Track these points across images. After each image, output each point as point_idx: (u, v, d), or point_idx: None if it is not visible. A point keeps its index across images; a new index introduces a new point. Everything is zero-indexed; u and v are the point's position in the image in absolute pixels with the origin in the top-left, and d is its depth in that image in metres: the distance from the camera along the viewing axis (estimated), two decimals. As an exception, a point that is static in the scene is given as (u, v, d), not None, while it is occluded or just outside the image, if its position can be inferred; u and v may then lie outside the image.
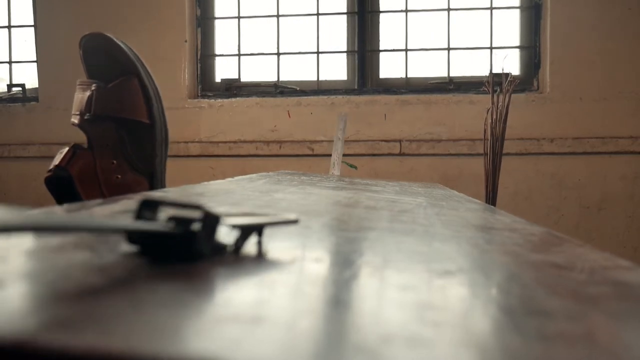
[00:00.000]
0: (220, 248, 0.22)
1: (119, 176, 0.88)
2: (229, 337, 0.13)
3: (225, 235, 0.23)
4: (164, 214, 0.22)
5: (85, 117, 0.88)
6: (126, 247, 0.22)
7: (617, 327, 0.16)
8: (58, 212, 0.31)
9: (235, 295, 0.17)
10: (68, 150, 0.87)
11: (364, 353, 0.12)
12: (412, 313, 0.16)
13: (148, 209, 0.22)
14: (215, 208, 0.22)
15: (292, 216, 0.28)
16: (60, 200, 0.88)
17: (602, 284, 0.22)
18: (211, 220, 0.21)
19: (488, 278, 0.22)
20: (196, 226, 0.21)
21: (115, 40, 0.90)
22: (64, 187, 0.87)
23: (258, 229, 0.25)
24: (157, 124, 0.90)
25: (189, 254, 0.21)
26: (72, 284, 0.17)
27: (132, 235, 0.21)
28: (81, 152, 0.88)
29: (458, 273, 0.23)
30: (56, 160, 0.87)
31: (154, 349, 0.12)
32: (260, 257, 0.23)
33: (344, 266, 0.23)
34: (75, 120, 0.90)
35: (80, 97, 0.90)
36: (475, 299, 0.19)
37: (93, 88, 0.89)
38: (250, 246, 0.25)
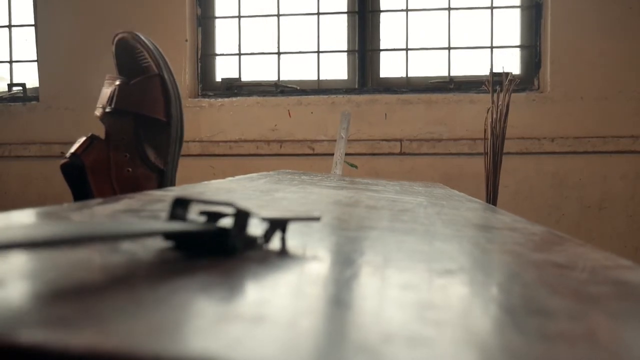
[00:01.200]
0: (251, 242, 0.24)
1: (130, 169, 0.90)
2: (229, 336, 0.13)
3: (254, 229, 0.24)
4: (194, 210, 0.23)
5: (106, 110, 0.91)
6: (160, 243, 0.23)
7: (618, 327, 0.16)
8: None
9: (237, 295, 0.17)
10: (85, 140, 0.91)
11: (364, 352, 0.12)
12: (413, 312, 0.16)
13: (180, 207, 0.23)
14: (245, 205, 0.23)
15: (316, 213, 0.29)
16: (73, 188, 0.91)
17: (603, 284, 0.22)
18: (242, 216, 0.22)
19: (489, 277, 0.22)
20: (228, 222, 0.22)
21: (143, 38, 0.93)
22: (76, 174, 0.90)
23: (284, 223, 0.26)
24: (174, 122, 0.93)
25: (222, 249, 0.22)
26: (73, 282, 0.17)
27: (167, 233, 0.22)
28: (97, 142, 0.91)
29: (459, 272, 0.23)
30: (73, 148, 0.90)
31: (155, 348, 0.12)
32: (285, 253, 0.24)
33: (345, 265, 0.23)
34: (97, 113, 0.93)
35: (105, 91, 0.93)
36: (476, 299, 0.19)
37: (117, 83, 0.92)
38: (274, 241, 0.26)
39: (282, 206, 0.45)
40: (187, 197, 0.24)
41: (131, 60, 0.93)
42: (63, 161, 0.90)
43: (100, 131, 0.93)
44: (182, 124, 0.95)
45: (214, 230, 0.22)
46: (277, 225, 0.25)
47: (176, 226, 0.22)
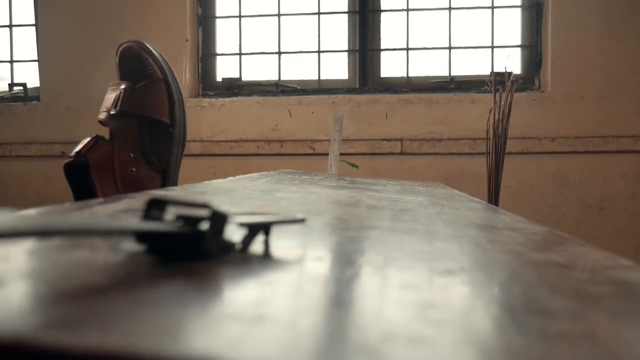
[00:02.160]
0: (228, 246, 0.22)
1: (134, 169, 0.92)
2: (230, 336, 0.13)
3: (233, 233, 0.23)
4: (171, 212, 0.22)
5: (111, 113, 0.93)
6: (133, 246, 0.22)
7: (619, 327, 0.16)
8: (65, 214, 0.31)
9: (237, 294, 0.17)
10: (90, 139, 0.92)
11: (365, 352, 0.12)
12: (413, 312, 0.16)
13: (156, 208, 0.22)
14: (223, 207, 0.22)
15: (299, 215, 0.28)
16: (75, 188, 0.92)
17: (603, 283, 0.22)
18: (219, 219, 0.21)
19: (489, 277, 0.22)
20: (204, 225, 0.21)
21: (148, 46, 0.96)
22: (80, 174, 0.91)
23: (265, 227, 0.25)
24: (177, 125, 0.96)
25: (197, 253, 0.21)
26: (73, 282, 0.17)
27: (140, 235, 0.21)
28: (102, 142, 0.92)
29: (459, 272, 0.23)
30: (77, 148, 0.92)
31: (155, 347, 0.12)
32: (266, 256, 0.23)
33: (346, 265, 0.23)
34: (101, 117, 0.95)
35: (110, 96, 0.96)
36: (477, 298, 0.19)
37: (122, 87, 0.94)
38: (257, 245, 0.25)
39: (281, 207, 0.45)
40: (162, 198, 0.22)
41: (136, 67, 0.95)
42: (67, 160, 0.91)
43: (103, 133, 0.94)
44: (185, 126, 0.98)
45: (188, 232, 0.21)
46: (258, 229, 0.24)
47: (149, 226, 0.21)
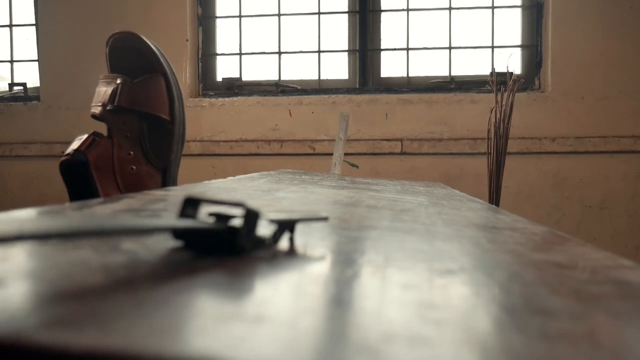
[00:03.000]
0: (260, 242, 0.24)
1: (134, 167, 0.90)
2: (231, 336, 0.13)
3: (263, 229, 0.25)
4: (204, 211, 0.24)
5: (108, 108, 0.90)
6: (170, 242, 0.23)
7: (619, 327, 0.16)
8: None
9: (238, 294, 0.17)
10: (88, 137, 0.90)
11: (365, 352, 0.12)
12: (413, 312, 0.16)
13: (190, 206, 0.23)
14: (254, 205, 0.24)
15: (323, 214, 0.29)
16: (72, 186, 0.90)
17: (604, 283, 0.22)
18: (252, 217, 0.22)
19: (490, 277, 0.22)
20: (237, 222, 0.22)
21: (144, 39, 0.92)
22: (78, 172, 0.89)
23: (291, 224, 0.26)
24: (177, 122, 0.93)
25: (231, 249, 0.22)
26: (73, 282, 0.17)
27: (177, 232, 0.22)
28: (100, 139, 0.90)
29: (460, 272, 0.23)
30: (75, 145, 0.89)
31: (156, 347, 0.12)
32: (293, 253, 0.24)
33: (346, 265, 0.23)
34: (95, 110, 0.92)
35: (104, 90, 0.92)
36: (477, 298, 0.19)
37: (119, 82, 0.91)
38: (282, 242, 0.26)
39: (285, 206, 0.45)
40: (197, 197, 0.24)
41: (132, 60, 0.92)
42: (63, 158, 0.88)
43: (99, 129, 0.92)
44: (185, 123, 0.95)
45: (223, 229, 0.22)
46: (286, 226, 0.26)
47: (185, 223, 0.22)
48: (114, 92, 0.90)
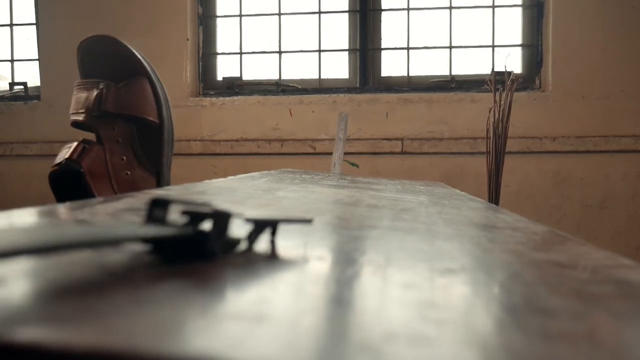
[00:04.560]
0: (233, 244, 0.22)
1: (128, 172, 0.89)
2: (231, 335, 0.13)
3: (239, 230, 0.23)
4: (175, 210, 0.22)
5: (94, 114, 0.88)
6: (137, 247, 0.22)
7: (620, 326, 0.16)
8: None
9: (238, 294, 0.17)
10: (78, 145, 0.87)
11: (366, 351, 0.12)
12: (414, 311, 0.16)
13: (159, 208, 0.22)
14: (224, 205, 0.22)
15: (308, 216, 0.28)
16: (63, 196, 0.88)
17: (604, 283, 0.22)
18: (222, 219, 0.21)
19: (490, 277, 0.22)
20: (207, 225, 0.21)
21: (122, 42, 0.90)
22: (71, 181, 0.87)
23: (272, 225, 0.25)
24: (166, 124, 0.92)
25: (201, 254, 0.21)
26: (73, 281, 0.17)
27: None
28: (92, 146, 0.88)
29: (460, 271, 0.22)
30: (65, 154, 0.87)
31: (156, 347, 0.12)
32: (271, 256, 0.23)
33: (347, 264, 0.23)
34: (79, 117, 0.89)
35: (85, 95, 0.89)
36: (478, 298, 0.19)
37: (101, 87, 0.88)
38: (263, 244, 0.25)
39: (282, 206, 0.45)
40: (165, 198, 0.22)
41: (110, 63, 0.89)
42: (53, 169, 0.85)
43: (82, 136, 0.90)
44: (172, 125, 0.93)
45: (191, 234, 0.21)
46: (263, 226, 0.24)
47: (151, 231, 0.20)
48: (98, 98, 0.87)
